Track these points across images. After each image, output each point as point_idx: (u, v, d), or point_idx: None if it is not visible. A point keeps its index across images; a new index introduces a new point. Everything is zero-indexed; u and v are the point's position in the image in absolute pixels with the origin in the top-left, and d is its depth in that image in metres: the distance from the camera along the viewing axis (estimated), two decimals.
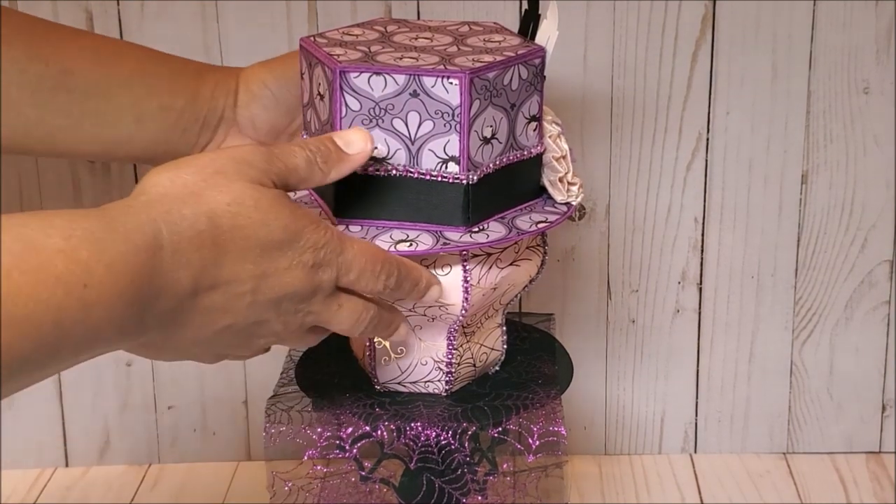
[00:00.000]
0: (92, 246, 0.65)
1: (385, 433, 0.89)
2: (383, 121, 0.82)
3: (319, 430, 0.91)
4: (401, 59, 0.83)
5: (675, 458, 1.31)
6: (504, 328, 0.95)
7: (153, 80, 0.92)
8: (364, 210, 0.84)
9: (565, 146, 0.89)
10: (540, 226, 0.86)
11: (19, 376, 0.63)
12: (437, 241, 0.83)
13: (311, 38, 0.88)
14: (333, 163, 0.79)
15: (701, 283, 1.26)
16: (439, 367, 0.91)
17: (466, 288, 0.86)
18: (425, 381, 0.92)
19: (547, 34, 0.86)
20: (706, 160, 1.22)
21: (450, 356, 0.91)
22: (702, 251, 1.25)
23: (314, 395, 0.92)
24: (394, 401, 0.92)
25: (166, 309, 0.70)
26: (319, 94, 0.85)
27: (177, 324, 0.71)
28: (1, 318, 0.60)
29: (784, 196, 1.23)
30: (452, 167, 0.83)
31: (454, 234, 0.84)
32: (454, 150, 0.82)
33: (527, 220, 0.86)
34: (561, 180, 0.88)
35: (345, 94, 0.82)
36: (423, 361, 0.91)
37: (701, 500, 1.24)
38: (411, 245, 0.83)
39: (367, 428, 0.89)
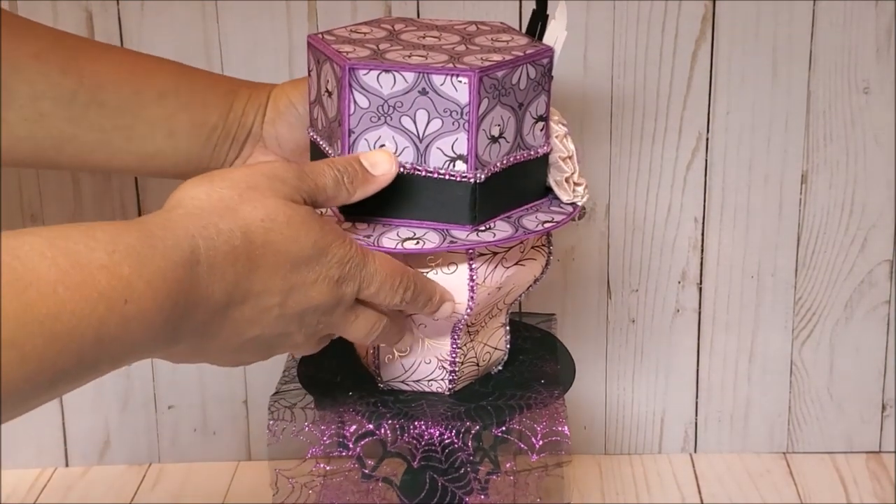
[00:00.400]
0: (133, 261, 0.65)
1: (388, 431, 0.89)
2: (391, 118, 0.82)
3: (322, 427, 0.91)
4: (409, 56, 0.83)
5: (675, 458, 1.31)
6: (507, 328, 0.95)
7: (186, 96, 0.92)
8: (371, 207, 0.84)
9: (572, 146, 0.89)
10: (546, 225, 0.86)
11: (57, 388, 0.63)
12: (444, 240, 0.83)
13: (320, 35, 0.87)
14: (359, 183, 0.81)
15: (701, 282, 1.26)
16: (443, 366, 0.91)
17: (472, 287, 0.86)
18: (429, 380, 0.92)
19: (555, 34, 0.86)
20: (706, 160, 1.22)
21: (454, 355, 0.90)
22: (702, 251, 1.25)
23: (317, 393, 0.92)
24: (397, 399, 0.92)
25: (199, 321, 0.70)
26: (327, 90, 0.85)
27: (207, 335, 0.72)
28: (46, 334, 0.61)
29: (784, 196, 1.23)
30: (460, 166, 0.83)
31: (461, 233, 0.84)
32: (462, 148, 0.82)
33: (533, 220, 0.86)
34: (567, 180, 0.88)
35: (353, 91, 0.82)
36: (427, 360, 0.91)
37: (701, 500, 1.24)
38: (418, 243, 0.83)
39: (371, 426, 0.89)
